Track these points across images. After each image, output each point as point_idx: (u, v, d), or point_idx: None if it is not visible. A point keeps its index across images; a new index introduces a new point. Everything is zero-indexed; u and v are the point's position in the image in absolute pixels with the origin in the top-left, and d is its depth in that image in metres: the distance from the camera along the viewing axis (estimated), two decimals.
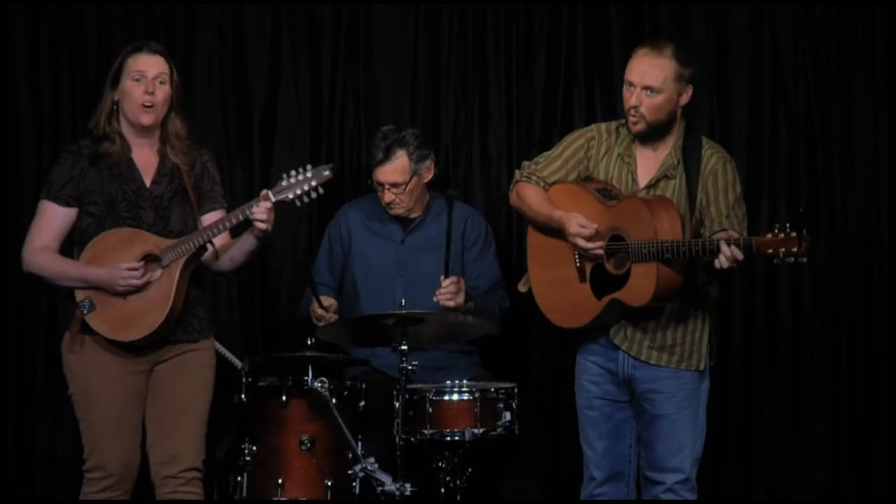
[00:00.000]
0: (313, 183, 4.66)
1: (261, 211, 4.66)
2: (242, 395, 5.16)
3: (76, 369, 4.73)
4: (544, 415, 5.93)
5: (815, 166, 6.01)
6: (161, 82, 4.76)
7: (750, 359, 6.02)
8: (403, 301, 5.27)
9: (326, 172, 4.67)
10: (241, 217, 4.69)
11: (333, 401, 5.11)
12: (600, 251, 4.80)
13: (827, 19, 6.01)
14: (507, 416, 5.20)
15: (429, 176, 5.68)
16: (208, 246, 4.75)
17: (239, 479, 5.17)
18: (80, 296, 4.69)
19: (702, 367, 4.89)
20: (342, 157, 6.07)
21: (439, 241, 5.53)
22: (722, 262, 4.55)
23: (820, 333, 6.00)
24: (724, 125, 6.04)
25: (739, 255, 4.52)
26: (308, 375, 5.13)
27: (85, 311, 4.68)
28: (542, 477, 5.55)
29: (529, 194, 4.97)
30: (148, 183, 4.79)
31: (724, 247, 4.52)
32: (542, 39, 6.07)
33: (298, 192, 4.66)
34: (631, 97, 4.81)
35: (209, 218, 4.81)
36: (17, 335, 5.87)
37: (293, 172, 4.68)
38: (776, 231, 4.47)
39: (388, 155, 5.57)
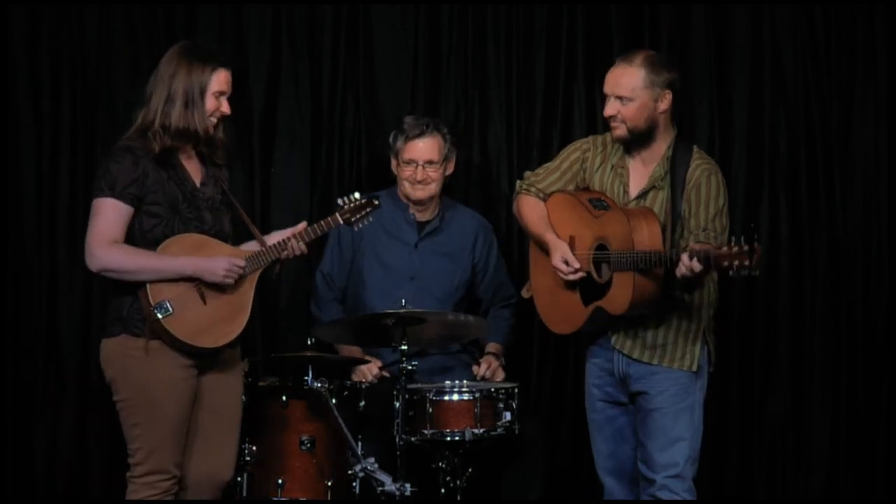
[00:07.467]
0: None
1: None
2: (242, 395, 5.16)
3: (138, 376, 4.62)
4: (544, 415, 5.94)
5: (815, 166, 6.02)
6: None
7: (750, 358, 6.02)
8: (404, 301, 5.27)
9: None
10: (319, 233, 4.83)
11: (333, 401, 5.12)
12: (581, 275, 4.92)
13: (827, 19, 6.01)
14: (507, 416, 5.20)
15: (451, 169, 5.73)
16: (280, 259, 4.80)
17: (239, 479, 5.16)
18: (156, 298, 4.59)
19: (694, 367, 4.93)
20: (342, 157, 6.07)
21: (453, 248, 5.66)
22: (681, 269, 4.66)
23: (820, 333, 6.01)
24: (724, 125, 6.04)
25: (697, 267, 4.63)
26: (308, 375, 5.15)
27: (162, 314, 4.58)
28: (542, 477, 5.54)
29: (527, 210, 5.11)
30: (198, 184, 4.76)
31: (684, 257, 4.65)
32: (542, 39, 6.07)
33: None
34: (606, 108, 4.96)
35: None
36: (17, 335, 5.86)
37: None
38: (732, 244, 4.57)
39: (424, 132, 5.63)
